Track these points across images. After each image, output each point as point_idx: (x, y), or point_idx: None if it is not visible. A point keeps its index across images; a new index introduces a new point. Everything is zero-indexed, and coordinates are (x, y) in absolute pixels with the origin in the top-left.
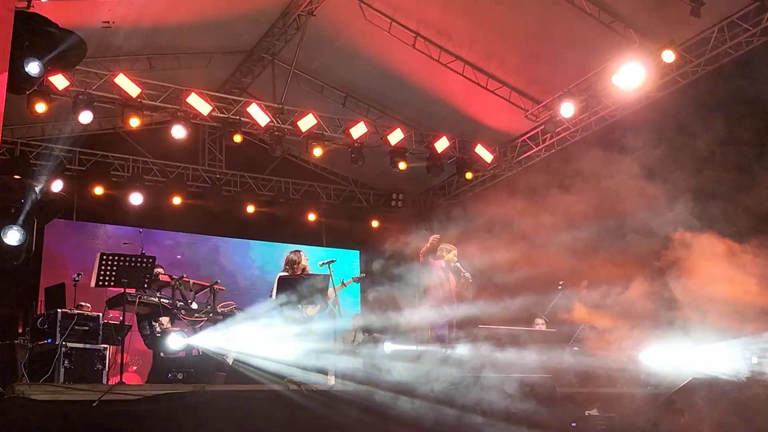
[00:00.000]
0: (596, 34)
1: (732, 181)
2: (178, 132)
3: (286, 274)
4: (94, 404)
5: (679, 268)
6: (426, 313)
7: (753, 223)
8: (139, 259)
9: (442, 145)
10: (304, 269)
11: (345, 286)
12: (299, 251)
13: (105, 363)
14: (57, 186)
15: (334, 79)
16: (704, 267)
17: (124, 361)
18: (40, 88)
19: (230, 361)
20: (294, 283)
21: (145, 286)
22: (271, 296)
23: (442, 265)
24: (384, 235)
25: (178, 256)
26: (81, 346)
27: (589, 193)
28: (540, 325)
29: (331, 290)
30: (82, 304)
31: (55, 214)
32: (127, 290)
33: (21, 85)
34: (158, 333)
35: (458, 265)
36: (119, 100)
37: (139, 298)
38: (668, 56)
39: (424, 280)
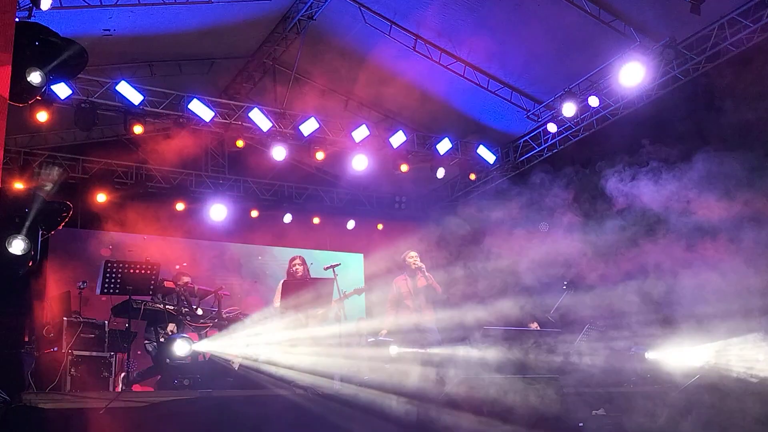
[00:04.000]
0: (596, 33)
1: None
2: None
3: (290, 278)
4: (101, 412)
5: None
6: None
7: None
8: (144, 266)
9: (444, 146)
10: (306, 274)
11: (346, 297)
12: (299, 256)
13: (111, 370)
14: (60, 194)
15: (335, 83)
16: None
17: (130, 368)
18: (42, 97)
19: (236, 367)
20: (299, 288)
21: (150, 293)
22: (274, 301)
23: (407, 274)
24: (388, 237)
25: (183, 263)
26: (87, 353)
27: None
28: (534, 328)
29: (335, 296)
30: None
31: (60, 222)
32: (133, 297)
33: (23, 95)
34: (164, 339)
35: (417, 263)
36: (121, 108)
37: (145, 305)
38: (669, 54)
39: (390, 294)
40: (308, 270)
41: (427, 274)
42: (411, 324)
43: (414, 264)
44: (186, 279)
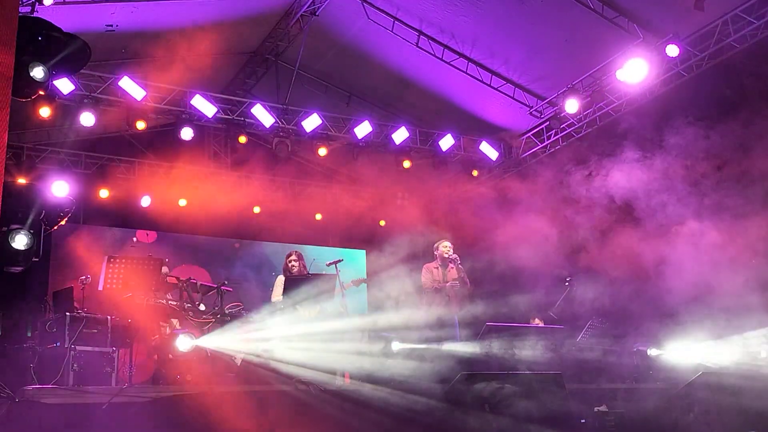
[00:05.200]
0: (600, 30)
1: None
2: (186, 133)
3: (289, 274)
4: (104, 407)
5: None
6: (424, 313)
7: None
8: (146, 262)
9: (446, 143)
10: (302, 270)
11: (345, 289)
12: (295, 252)
13: (114, 365)
14: (63, 189)
15: (338, 79)
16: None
17: (132, 364)
18: (45, 92)
19: (239, 362)
20: (300, 284)
21: (153, 288)
22: (273, 296)
23: (438, 263)
24: (391, 234)
25: (185, 258)
26: (90, 348)
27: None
28: (537, 324)
29: (337, 290)
30: None
31: (62, 217)
32: (135, 293)
33: (26, 90)
34: (166, 335)
35: (451, 255)
36: (124, 103)
37: (147, 300)
38: (672, 50)
39: (421, 282)
40: (305, 266)
41: (459, 266)
42: (435, 317)
43: (448, 254)
44: (165, 269)
